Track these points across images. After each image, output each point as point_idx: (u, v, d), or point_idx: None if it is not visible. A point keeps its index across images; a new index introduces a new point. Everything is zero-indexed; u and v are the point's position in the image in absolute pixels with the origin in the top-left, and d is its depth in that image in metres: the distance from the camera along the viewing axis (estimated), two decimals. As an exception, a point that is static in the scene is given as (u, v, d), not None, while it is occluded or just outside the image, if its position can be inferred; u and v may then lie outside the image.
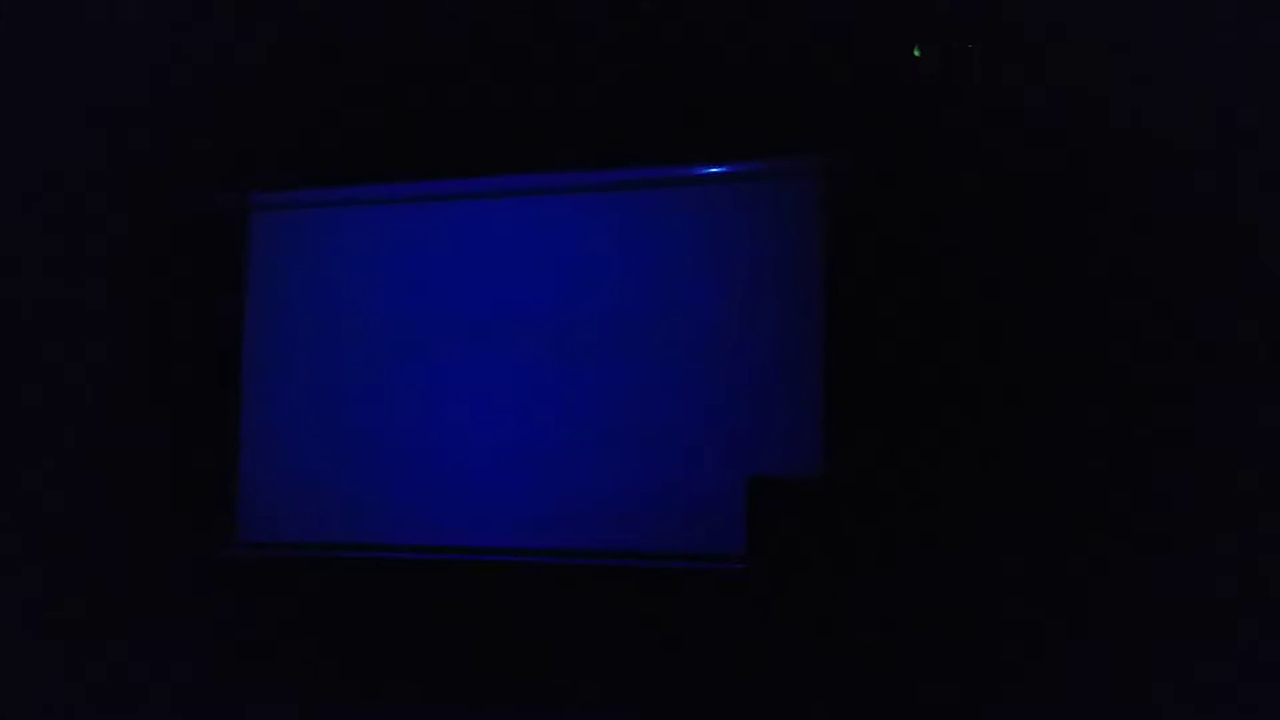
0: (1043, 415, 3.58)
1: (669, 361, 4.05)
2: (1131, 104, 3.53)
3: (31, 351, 4.34)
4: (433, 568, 4.16)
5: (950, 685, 3.51)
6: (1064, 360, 3.58)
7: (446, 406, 4.27)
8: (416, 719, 4.00)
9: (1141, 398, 3.49)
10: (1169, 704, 3.28)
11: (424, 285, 4.35)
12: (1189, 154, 3.46)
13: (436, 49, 4.23)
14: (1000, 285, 3.66)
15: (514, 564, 4.09)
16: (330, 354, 4.42)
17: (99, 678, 4.09)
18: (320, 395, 4.41)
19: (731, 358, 3.99)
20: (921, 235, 3.73)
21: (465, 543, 4.17)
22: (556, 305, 4.19)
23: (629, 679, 3.86)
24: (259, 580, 4.30)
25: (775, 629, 3.70)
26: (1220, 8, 3.43)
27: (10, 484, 4.30)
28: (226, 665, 4.16)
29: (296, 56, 4.32)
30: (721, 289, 4.02)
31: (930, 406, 3.67)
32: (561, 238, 4.23)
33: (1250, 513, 3.30)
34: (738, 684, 3.72)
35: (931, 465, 3.64)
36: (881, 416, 3.72)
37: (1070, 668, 3.45)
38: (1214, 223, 3.45)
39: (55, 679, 4.08)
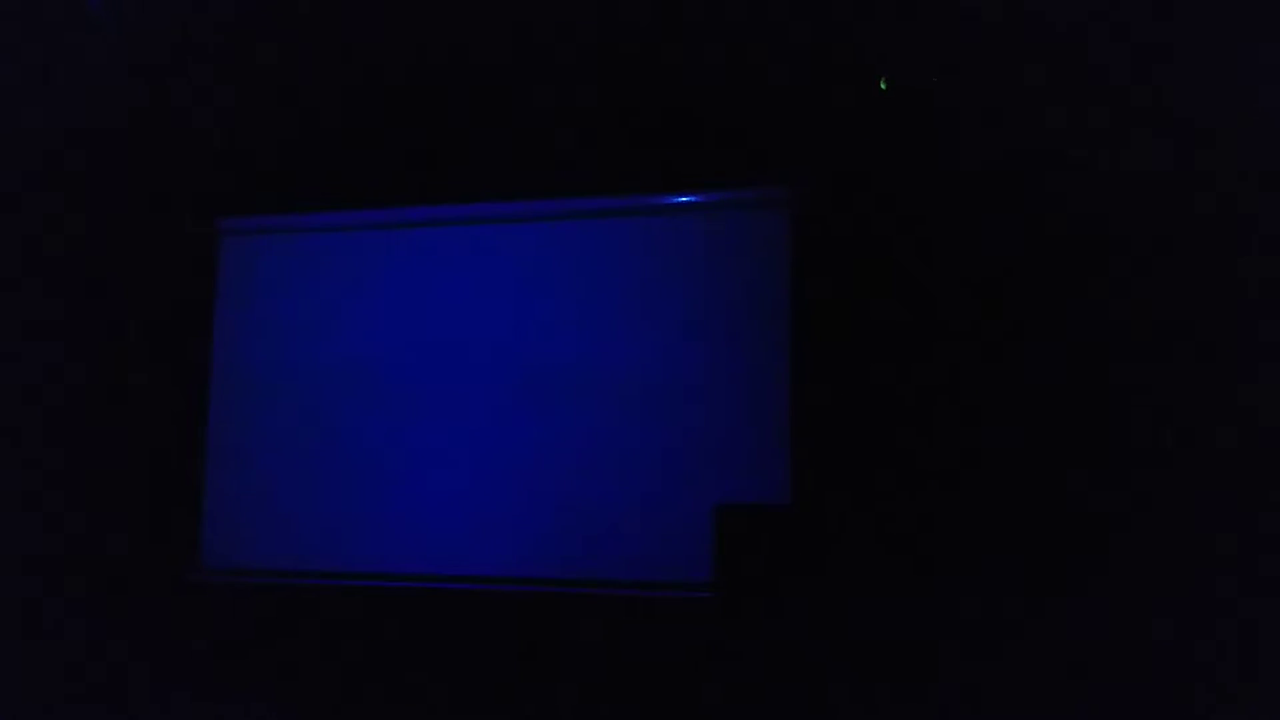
0: (1013, 444, 3.52)
1: (636, 390, 3.96)
2: (1116, 130, 3.47)
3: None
4: (399, 596, 4.07)
5: (921, 713, 3.46)
6: (1036, 390, 3.52)
7: (415, 433, 4.19)
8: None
9: (1118, 425, 3.43)
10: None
11: (394, 312, 4.27)
12: (1178, 178, 3.40)
13: (404, 77, 4.18)
14: (970, 315, 3.60)
15: (481, 592, 4.00)
16: (298, 380, 4.34)
17: (57, 701, 4.04)
18: (287, 421, 4.33)
19: (699, 386, 3.90)
20: (890, 265, 3.68)
21: (432, 571, 4.07)
22: (524, 333, 4.12)
23: (596, 708, 3.77)
24: (223, 606, 4.22)
25: (742, 658, 3.62)
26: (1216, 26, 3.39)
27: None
28: (189, 691, 4.09)
29: (266, 83, 4.27)
30: (688, 317, 3.95)
31: (899, 435, 3.60)
32: (531, 265, 4.16)
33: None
34: (704, 713, 3.64)
35: (900, 494, 3.56)
36: (850, 445, 3.64)
37: (1044, 687, 3.38)
38: (1207, 231, 3.39)
39: (11, 703, 4.03)
